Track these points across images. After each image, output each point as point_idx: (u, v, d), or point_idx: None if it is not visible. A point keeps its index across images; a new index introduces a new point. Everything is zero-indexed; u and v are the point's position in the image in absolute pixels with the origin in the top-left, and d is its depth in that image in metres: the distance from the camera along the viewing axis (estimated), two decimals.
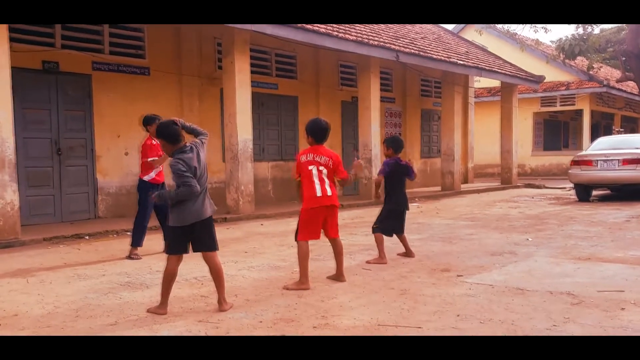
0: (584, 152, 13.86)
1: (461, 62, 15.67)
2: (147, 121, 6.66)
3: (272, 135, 13.15)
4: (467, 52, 17.95)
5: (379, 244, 6.21)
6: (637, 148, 12.75)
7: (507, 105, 18.56)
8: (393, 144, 6.43)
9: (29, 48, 9.22)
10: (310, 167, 5.08)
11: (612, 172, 12.38)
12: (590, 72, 20.36)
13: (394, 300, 4.58)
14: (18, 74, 9.12)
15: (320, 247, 5.83)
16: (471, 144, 19.66)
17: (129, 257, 6.65)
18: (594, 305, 4.30)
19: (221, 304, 4.40)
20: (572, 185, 13.69)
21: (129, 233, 8.58)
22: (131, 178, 9.99)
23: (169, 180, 5.29)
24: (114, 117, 10.28)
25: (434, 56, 14.68)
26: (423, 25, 19.17)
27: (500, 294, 4.69)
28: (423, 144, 18.00)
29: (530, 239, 7.58)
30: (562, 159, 22.16)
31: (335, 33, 11.67)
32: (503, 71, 17.72)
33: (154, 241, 7.17)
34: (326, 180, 5.12)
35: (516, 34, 17.45)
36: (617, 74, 21.70)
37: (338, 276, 5.32)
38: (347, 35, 11.98)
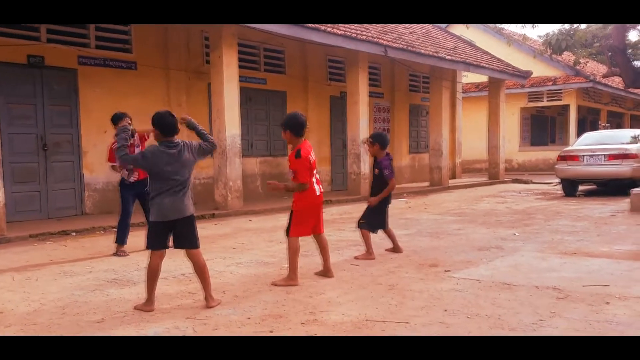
0: (570, 148, 13.96)
1: (449, 57, 15.70)
2: (115, 119, 6.51)
3: (260, 130, 13.11)
4: (455, 47, 18.00)
5: (366, 240, 6.22)
6: (623, 143, 12.87)
7: (495, 100, 18.65)
8: (380, 139, 6.31)
9: (13, 42, 9.10)
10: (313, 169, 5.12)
11: (598, 167, 12.49)
12: (577, 67, 20.49)
13: (382, 296, 4.60)
14: (2, 68, 9.04)
15: (308, 242, 5.83)
16: (459, 139, 19.74)
17: (116, 254, 6.62)
18: (580, 299, 4.35)
19: (208, 301, 4.39)
20: (558, 180, 13.79)
21: (115, 229, 8.54)
22: (118, 174, 9.90)
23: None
24: (100, 112, 10.16)
25: (422, 51, 14.70)
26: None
27: (487, 289, 4.72)
28: (411, 140, 18.04)
29: (517, 234, 7.63)
30: (548, 154, 22.32)
31: (324, 27, 11.65)
32: (491, 66, 17.78)
33: (142, 238, 7.11)
34: (317, 177, 5.18)
35: (503, 29, 17.52)
36: (603, 69, 21.87)
37: (325, 272, 5.33)
38: (335, 30, 11.95)
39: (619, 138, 13.49)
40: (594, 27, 15.65)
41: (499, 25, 16.60)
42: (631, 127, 25.46)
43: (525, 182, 17.89)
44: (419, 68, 16.59)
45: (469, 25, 18.66)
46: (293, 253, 5.07)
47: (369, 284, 5.03)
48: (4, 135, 8.61)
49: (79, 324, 4.04)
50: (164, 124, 4.31)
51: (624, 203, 10.60)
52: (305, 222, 5.12)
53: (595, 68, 25.01)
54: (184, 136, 4.96)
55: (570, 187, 13.18)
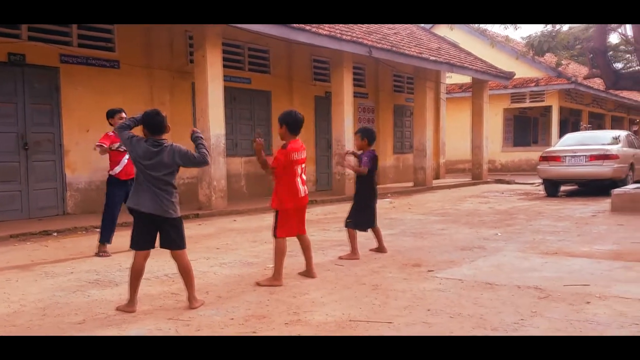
0: (552, 148, 14.11)
1: (433, 58, 15.79)
2: (109, 114, 6.65)
3: (245, 130, 13.07)
4: (439, 48, 18.10)
5: (352, 240, 6.23)
6: (604, 144, 13.05)
7: (478, 101, 18.79)
8: (368, 135, 6.36)
9: None
10: (296, 167, 5.10)
11: (579, 167, 12.64)
12: (559, 69, 20.73)
13: (366, 296, 4.61)
14: None
15: (292, 242, 5.82)
16: (443, 139, 19.86)
17: (98, 255, 6.55)
18: (561, 299, 4.40)
19: (191, 302, 4.37)
20: (541, 180, 13.94)
21: (98, 230, 8.44)
22: (101, 173, 9.80)
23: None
24: (82, 111, 10.08)
25: (406, 52, 14.76)
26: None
27: (469, 289, 4.76)
28: (396, 140, 18.11)
29: (499, 234, 7.70)
30: (531, 154, 22.54)
31: (308, 28, 11.65)
32: (474, 67, 17.92)
33: (125, 238, 7.05)
34: (304, 177, 5.19)
35: (487, 30, 17.67)
36: (585, 70, 22.13)
37: (309, 272, 5.34)
38: (320, 30, 11.96)
39: (600, 139, 13.69)
40: (576, 29, 15.87)
41: (483, 27, 16.74)
42: (612, 128, 25.85)
43: (508, 183, 18.05)
44: (403, 69, 16.65)
45: (453, 26, 18.81)
46: (280, 254, 5.08)
47: (353, 284, 5.04)
48: None
49: (59, 326, 4.00)
50: (151, 123, 4.33)
51: (605, 203, 10.73)
52: (290, 221, 5.13)
53: (577, 70, 25.32)
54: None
55: (552, 187, 13.32)
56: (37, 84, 9.59)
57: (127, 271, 5.01)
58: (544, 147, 19.88)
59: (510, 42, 22.42)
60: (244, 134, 13.05)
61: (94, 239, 7.17)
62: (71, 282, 5.31)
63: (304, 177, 5.20)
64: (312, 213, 10.54)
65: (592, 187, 13.35)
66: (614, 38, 19.83)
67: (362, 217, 6.32)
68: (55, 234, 8.16)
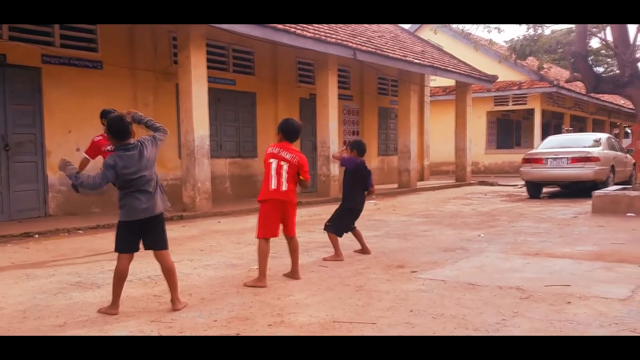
0: (534, 151, 14.27)
1: (417, 61, 15.89)
2: (104, 115, 6.60)
3: (229, 131, 13.04)
4: (423, 51, 18.21)
5: (334, 242, 6.26)
6: (586, 147, 13.22)
7: (462, 104, 18.93)
8: (357, 147, 6.53)
9: None
10: (270, 160, 5.12)
11: (561, 169, 12.80)
12: (541, 72, 20.94)
13: (350, 297, 4.62)
14: None
15: (277, 244, 5.82)
16: (427, 142, 19.98)
17: None
18: (542, 299, 4.44)
19: (174, 303, 4.34)
20: (523, 182, 14.07)
21: (80, 231, 8.40)
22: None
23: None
24: (65, 112, 9.99)
25: (391, 54, 14.84)
26: (380, 24, 19.33)
27: (452, 289, 4.79)
28: (380, 142, 18.18)
29: (481, 235, 7.76)
30: (514, 157, 22.74)
31: (293, 30, 11.66)
32: (458, 70, 18.05)
33: (106, 240, 7.01)
34: (284, 175, 5.12)
35: (470, 34, 17.81)
36: (566, 74, 22.37)
37: (293, 274, 5.34)
38: (304, 32, 11.97)
39: (582, 141, 13.87)
40: (558, 33, 16.04)
41: (467, 30, 16.87)
42: (593, 131, 26.19)
43: (491, 184, 18.22)
44: (388, 71, 16.73)
45: (437, 30, 18.94)
46: (260, 255, 5.10)
47: (337, 285, 5.05)
48: None
49: (40, 328, 3.95)
50: (116, 129, 4.22)
51: (586, 205, 10.87)
52: (267, 220, 5.12)
53: (559, 73, 25.60)
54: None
55: (534, 189, 13.46)
56: (18, 84, 9.47)
57: (109, 273, 4.98)
58: (527, 149, 20.08)
59: (493, 46, 22.58)
60: (228, 136, 13.01)
61: (76, 241, 7.11)
62: (52, 284, 5.25)
63: (284, 173, 5.11)
64: (297, 215, 10.46)
65: (573, 189, 13.52)
66: (594, 43, 20.10)
67: (343, 223, 6.37)
68: (36, 235, 8.07)
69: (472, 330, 3.75)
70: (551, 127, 26.49)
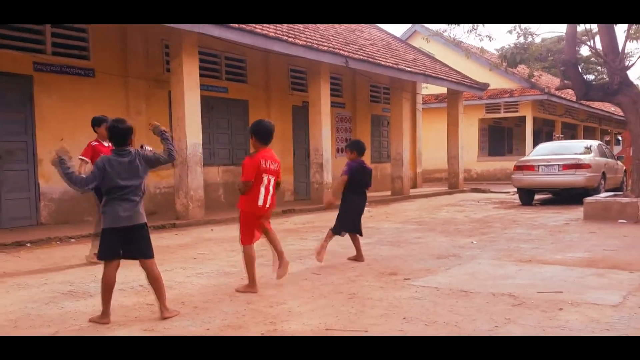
0: (526, 158, 14.34)
1: (409, 69, 15.97)
2: (95, 122, 6.68)
3: (222, 139, 13.03)
4: (415, 59, 18.31)
5: (326, 239, 6.39)
6: (577, 153, 13.32)
7: (454, 111, 19.02)
8: (356, 147, 6.55)
9: None
10: (264, 176, 5.08)
11: (553, 176, 12.87)
12: (532, 80, 21.09)
13: (343, 305, 4.62)
14: None
15: (267, 251, 5.81)
16: (419, 149, 20.05)
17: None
18: (534, 306, 4.46)
19: (163, 312, 4.32)
20: (515, 189, 14.13)
21: (73, 240, 8.35)
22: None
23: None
24: (56, 120, 9.95)
25: (383, 62, 14.91)
26: (372, 32, 19.44)
27: (445, 296, 4.80)
28: (373, 149, 18.21)
29: (474, 242, 7.78)
30: (506, 164, 22.85)
31: (285, 37, 11.69)
32: (449, 78, 18.15)
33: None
34: (271, 190, 5.17)
35: (462, 42, 17.92)
36: (557, 82, 22.52)
37: (279, 260, 5.39)
38: (296, 40, 12.01)
39: (573, 148, 13.96)
40: (548, 41, 16.19)
41: (458, 39, 16.96)
42: (584, 138, 26.36)
43: (484, 192, 18.28)
44: (380, 79, 16.79)
45: (428, 38, 19.05)
46: (247, 261, 5.12)
47: (330, 293, 5.05)
48: None
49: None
50: (114, 133, 4.32)
51: (577, 211, 10.93)
52: (250, 227, 5.15)
53: (549, 81, 25.77)
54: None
55: (526, 196, 13.52)
56: (9, 92, 9.44)
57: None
58: (519, 156, 20.18)
59: (485, 54, 22.68)
60: (221, 143, 13.00)
61: (68, 250, 7.07)
62: (44, 293, 5.22)
63: (270, 189, 5.13)
64: (290, 222, 10.54)
65: (565, 196, 13.58)
66: (584, 50, 20.27)
67: (348, 220, 6.44)
68: (28, 244, 8.01)
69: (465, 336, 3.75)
70: (542, 134, 26.66)
